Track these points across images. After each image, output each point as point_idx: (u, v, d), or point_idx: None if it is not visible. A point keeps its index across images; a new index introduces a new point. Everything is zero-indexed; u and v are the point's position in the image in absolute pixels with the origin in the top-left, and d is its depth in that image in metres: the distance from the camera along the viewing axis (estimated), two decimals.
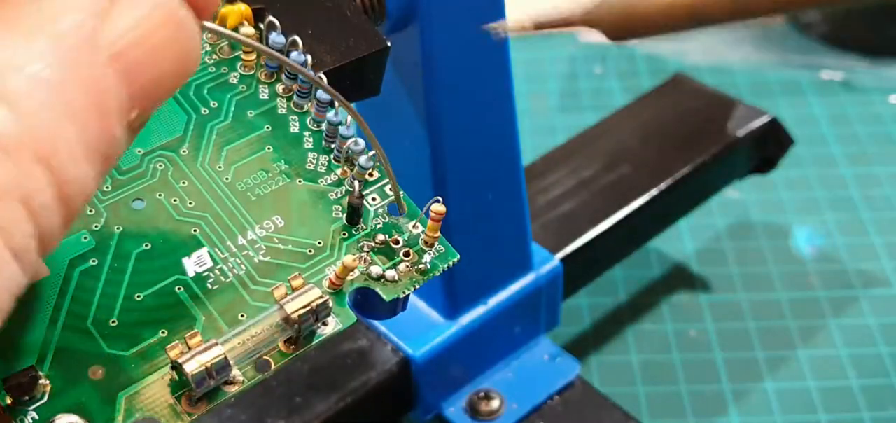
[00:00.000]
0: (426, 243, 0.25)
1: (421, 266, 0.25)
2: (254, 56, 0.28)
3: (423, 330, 0.40)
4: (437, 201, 0.25)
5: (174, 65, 0.19)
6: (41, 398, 0.21)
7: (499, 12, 0.36)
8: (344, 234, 0.25)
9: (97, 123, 0.17)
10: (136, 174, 0.25)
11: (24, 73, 0.17)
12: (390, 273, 0.24)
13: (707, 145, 0.49)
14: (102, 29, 0.18)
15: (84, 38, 0.17)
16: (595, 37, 0.69)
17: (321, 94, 0.27)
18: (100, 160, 0.18)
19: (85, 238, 0.24)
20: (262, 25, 0.28)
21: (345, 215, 0.25)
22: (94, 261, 0.23)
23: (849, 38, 0.67)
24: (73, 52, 0.17)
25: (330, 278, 0.24)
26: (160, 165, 0.25)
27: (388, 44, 0.29)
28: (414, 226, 0.25)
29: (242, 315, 0.23)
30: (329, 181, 0.26)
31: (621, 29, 0.20)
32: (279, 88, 0.27)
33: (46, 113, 0.17)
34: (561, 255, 0.43)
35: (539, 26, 0.21)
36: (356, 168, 0.26)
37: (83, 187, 0.17)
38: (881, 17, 0.66)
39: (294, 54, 0.27)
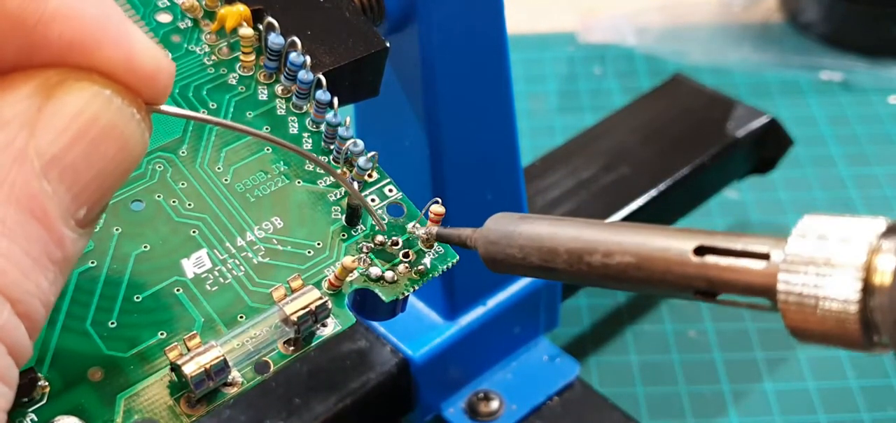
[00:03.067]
0: (425, 243, 0.25)
1: (420, 267, 0.25)
2: (253, 57, 0.28)
3: (422, 331, 0.40)
4: (437, 202, 0.25)
5: (118, 155, 0.18)
6: (40, 399, 0.21)
7: (498, 13, 0.36)
8: (343, 235, 0.25)
9: (41, 233, 0.17)
10: (135, 176, 0.25)
11: None
12: (389, 274, 0.24)
13: (707, 146, 0.49)
14: (33, 138, 0.17)
15: (13, 156, 0.17)
16: (595, 39, 0.69)
17: (320, 95, 0.27)
18: (52, 268, 0.18)
19: None
20: (260, 26, 0.28)
21: (344, 216, 0.25)
22: (92, 263, 0.23)
23: (848, 38, 0.67)
24: (3, 171, 0.17)
25: (329, 280, 0.24)
26: (159, 167, 0.25)
27: (387, 45, 0.29)
28: (413, 227, 0.25)
29: (241, 317, 0.23)
30: (328, 182, 0.26)
31: (486, 261, 0.23)
32: (278, 89, 0.27)
33: None
34: None
35: (439, 237, 0.25)
36: (355, 169, 0.26)
37: (41, 297, 0.18)
38: (880, 17, 0.66)
39: (293, 55, 0.27)
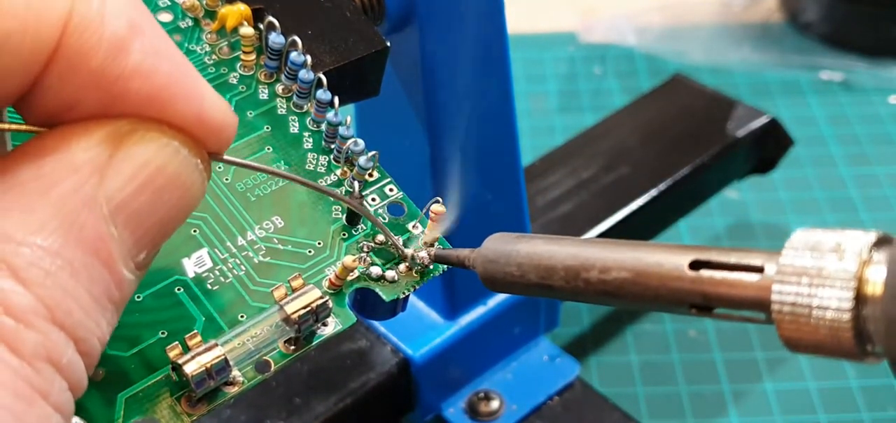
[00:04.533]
0: (426, 243, 0.25)
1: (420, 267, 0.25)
2: (253, 56, 0.28)
3: (422, 331, 0.40)
4: (437, 202, 0.25)
5: (179, 203, 0.19)
6: None
7: (498, 13, 0.36)
8: (344, 234, 0.25)
9: (104, 275, 0.18)
10: None
11: (27, 244, 0.17)
12: (390, 274, 0.24)
13: (707, 146, 0.49)
14: (102, 185, 0.18)
15: (83, 200, 0.18)
16: (595, 39, 0.69)
17: (321, 94, 0.27)
18: (111, 307, 0.18)
19: None
20: (261, 26, 0.28)
21: (344, 215, 0.25)
22: None
23: (848, 38, 0.67)
24: (73, 214, 0.18)
25: (330, 279, 0.24)
26: None
27: (388, 44, 0.29)
28: (414, 226, 0.25)
29: (242, 316, 0.23)
30: (329, 182, 0.26)
31: (485, 281, 0.24)
32: (279, 88, 0.27)
33: (52, 280, 0.17)
34: None
35: (438, 259, 0.25)
36: (356, 168, 0.26)
37: (99, 336, 0.18)
38: (880, 17, 0.66)
39: (293, 54, 0.27)
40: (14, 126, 0.19)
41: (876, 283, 0.18)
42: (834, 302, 0.18)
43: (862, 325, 0.18)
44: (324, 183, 0.26)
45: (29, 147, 0.18)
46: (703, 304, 0.20)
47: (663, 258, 0.20)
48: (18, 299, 0.17)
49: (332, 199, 0.26)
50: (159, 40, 0.19)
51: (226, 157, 0.20)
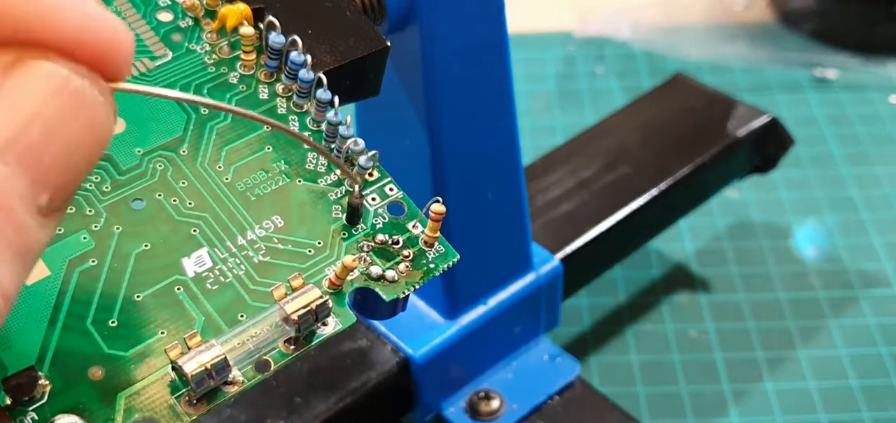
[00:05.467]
0: (426, 243, 0.25)
1: (421, 266, 0.25)
2: (253, 56, 0.28)
3: (423, 330, 0.40)
4: (437, 201, 0.25)
5: (81, 137, 0.18)
6: (41, 398, 0.21)
7: (499, 12, 0.36)
8: (344, 234, 0.25)
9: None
10: (135, 174, 0.25)
11: None
12: (390, 273, 0.24)
13: (707, 145, 0.49)
14: None
15: None
16: (592, 32, 0.69)
17: (321, 94, 0.27)
18: (14, 257, 0.17)
19: (84, 238, 0.24)
20: (261, 25, 0.28)
21: (344, 215, 0.25)
22: (93, 261, 0.23)
23: (840, 35, 0.67)
24: None
25: (330, 279, 0.24)
26: (160, 166, 0.25)
27: (388, 44, 0.29)
28: (414, 226, 0.25)
29: (242, 316, 0.23)
30: (329, 181, 0.26)
31: None
32: (279, 87, 0.27)
33: None
34: (561, 255, 0.43)
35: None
36: (356, 168, 0.26)
37: (2, 290, 0.17)
38: (872, 14, 0.66)
39: (293, 54, 0.27)
40: None
41: None
42: None
43: None
44: (323, 183, 0.26)
45: None
46: None
47: None
48: None
49: (331, 199, 0.26)
50: None
51: (126, 85, 0.19)
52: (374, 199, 0.26)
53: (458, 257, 0.25)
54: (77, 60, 0.18)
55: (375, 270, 0.24)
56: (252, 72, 0.28)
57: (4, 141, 0.17)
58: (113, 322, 0.23)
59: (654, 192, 0.47)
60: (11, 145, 0.17)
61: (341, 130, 0.26)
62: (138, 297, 0.23)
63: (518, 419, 0.41)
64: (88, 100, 0.18)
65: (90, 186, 0.25)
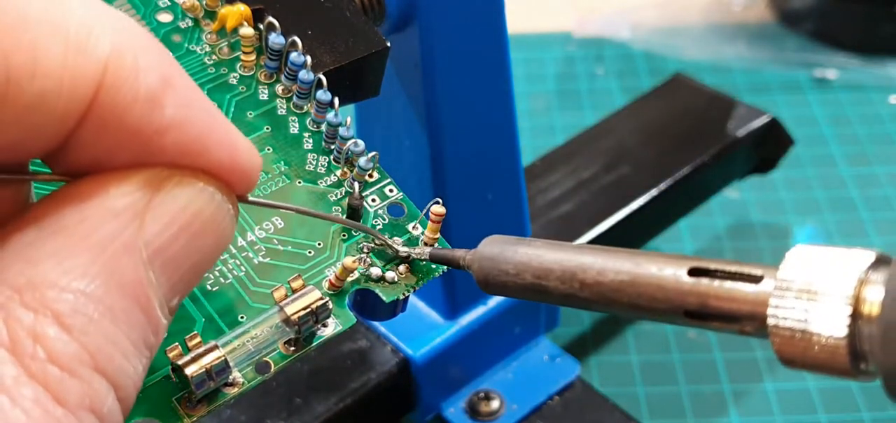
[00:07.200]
0: (426, 244, 0.25)
1: (421, 267, 0.25)
2: (253, 57, 0.28)
3: (422, 331, 0.40)
4: (437, 203, 0.25)
5: (212, 247, 0.19)
6: None
7: (498, 12, 0.36)
8: (343, 235, 0.25)
9: (142, 320, 0.18)
10: None
11: (70, 290, 0.17)
12: (390, 275, 0.24)
13: (707, 145, 0.49)
14: (141, 230, 0.18)
15: (123, 246, 0.18)
16: (591, 32, 0.69)
17: (321, 95, 0.27)
18: (147, 353, 0.18)
19: None
20: (261, 26, 0.28)
21: (345, 216, 0.25)
22: None
23: (839, 35, 0.67)
24: (114, 260, 0.18)
25: (330, 280, 0.24)
26: None
27: (388, 44, 0.29)
28: (414, 227, 0.25)
29: (242, 317, 0.23)
30: (329, 182, 0.26)
31: (480, 282, 0.24)
32: (279, 88, 0.27)
33: (94, 326, 0.17)
34: None
35: (433, 258, 0.25)
36: (356, 169, 0.26)
37: (135, 382, 0.18)
38: (870, 14, 0.66)
39: (293, 55, 0.27)
40: (43, 176, 0.19)
41: (873, 303, 0.18)
42: (830, 320, 0.18)
43: (857, 343, 0.18)
44: (323, 185, 0.26)
45: (65, 193, 0.18)
46: (699, 311, 0.20)
47: (662, 263, 0.20)
48: (63, 347, 0.17)
49: (331, 199, 0.26)
50: (190, 91, 0.19)
51: (251, 198, 0.21)
52: (374, 200, 0.26)
53: None
54: (222, 181, 0.19)
55: (375, 271, 0.24)
56: (252, 73, 0.28)
57: (155, 251, 0.18)
58: None
59: (653, 192, 0.47)
60: (160, 255, 0.18)
61: (341, 130, 0.26)
62: None
63: (518, 420, 0.41)
64: (223, 213, 0.20)
65: None
